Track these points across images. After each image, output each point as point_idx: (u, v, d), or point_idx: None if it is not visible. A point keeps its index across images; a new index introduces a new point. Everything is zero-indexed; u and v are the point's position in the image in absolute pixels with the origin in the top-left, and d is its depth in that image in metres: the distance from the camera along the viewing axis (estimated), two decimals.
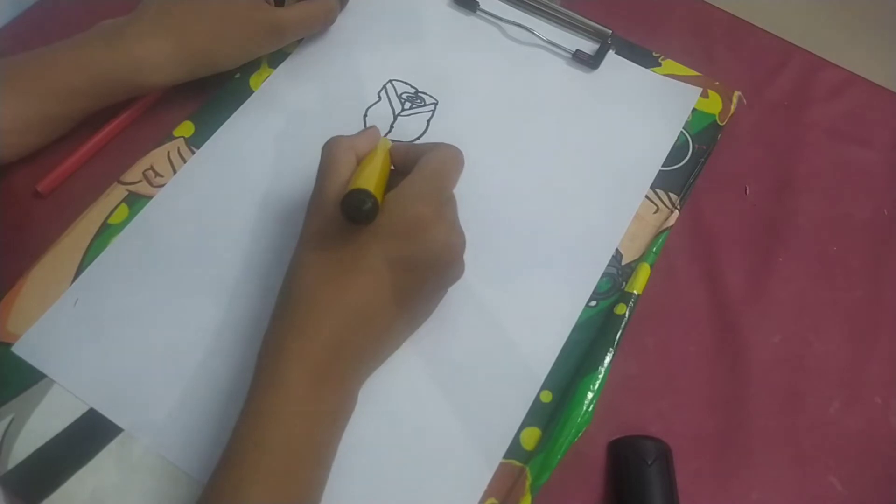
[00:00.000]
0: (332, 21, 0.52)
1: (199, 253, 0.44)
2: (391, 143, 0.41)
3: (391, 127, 0.49)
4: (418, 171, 0.37)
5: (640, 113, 0.50)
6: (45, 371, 0.40)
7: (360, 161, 0.39)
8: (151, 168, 0.47)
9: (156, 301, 0.42)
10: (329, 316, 0.34)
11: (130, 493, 0.37)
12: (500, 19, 0.54)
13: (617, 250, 0.45)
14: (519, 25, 0.53)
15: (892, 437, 0.41)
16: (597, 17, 0.53)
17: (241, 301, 0.42)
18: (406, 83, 0.51)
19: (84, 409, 0.39)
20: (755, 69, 0.53)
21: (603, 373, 0.40)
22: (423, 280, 0.37)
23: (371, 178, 0.35)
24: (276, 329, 0.35)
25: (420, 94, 0.51)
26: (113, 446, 0.38)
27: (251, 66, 0.50)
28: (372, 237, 0.35)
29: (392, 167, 0.40)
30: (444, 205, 0.37)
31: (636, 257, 0.45)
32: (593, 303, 0.43)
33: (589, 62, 0.52)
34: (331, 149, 0.38)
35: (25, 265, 0.43)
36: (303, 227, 0.38)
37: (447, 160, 0.38)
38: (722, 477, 0.39)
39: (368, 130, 0.41)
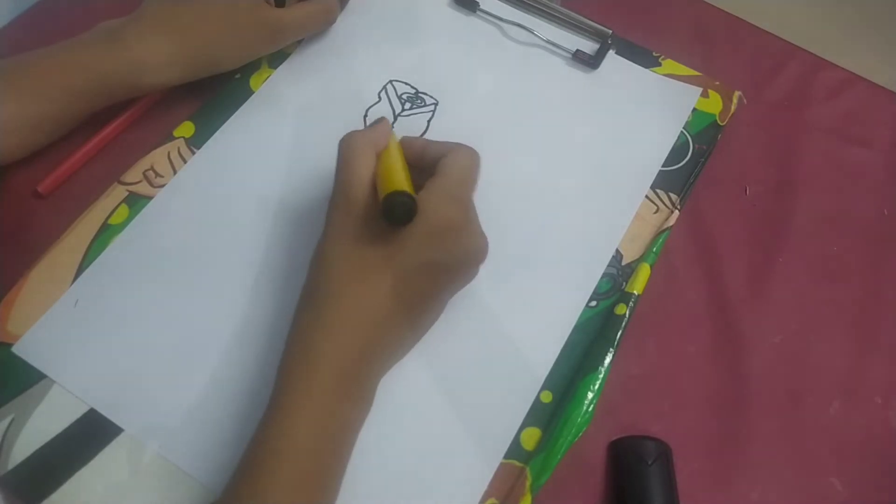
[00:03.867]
0: (333, 21, 0.52)
1: (199, 253, 0.44)
2: (398, 136, 0.41)
3: (391, 127, 0.49)
4: (445, 174, 0.37)
5: (640, 113, 0.50)
6: (45, 371, 0.40)
7: (378, 156, 0.38)
8: (152, 168, 0.47)
9: (156, 301, 0.42)
10: (359, 316, 0.34)
11: (131, 493, 0.37)
12: (500, 19, 0.54)
13: (617, 250, 0.45)
14: (519, 25, 0.53)
15: (892, 437, 0.41)
16: (597, 17, 0.53)
17: (242, 301, 0.42)
18: (406, 83, 0.51)
19: (84, 409, 0.39)
20: (755, 69, 0.53)
21: (603, 373, 0.40)
22: (447, 282, 0.37)
23: (403, 179, 0.35)
24: (303, 328, 0.35)
25: (420, 95, 0.51)
26: (113, 447, 0.38)
27: (251, 67, 0.50)
28: (405, 239, 0.35)
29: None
30: (470, 209, 0.37)
31: (636, 257, 0.45)
32: (593, 303, 0.43)
33: (589, 62, 0.52)
34: (350, 145, 0.37)
35: (25, 265, 0.43)
36: (326, 223, 0.37)
37: (471, 163, 0.38)
38: (722, 477, 0.39)
39: (381, 124, 0.41)
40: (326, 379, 0.33)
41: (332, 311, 0.35)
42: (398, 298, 0.35)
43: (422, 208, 0.34)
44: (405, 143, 0.41)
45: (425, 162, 0.39)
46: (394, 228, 0.34)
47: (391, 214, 0.33)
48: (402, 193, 0.33)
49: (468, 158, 0.38)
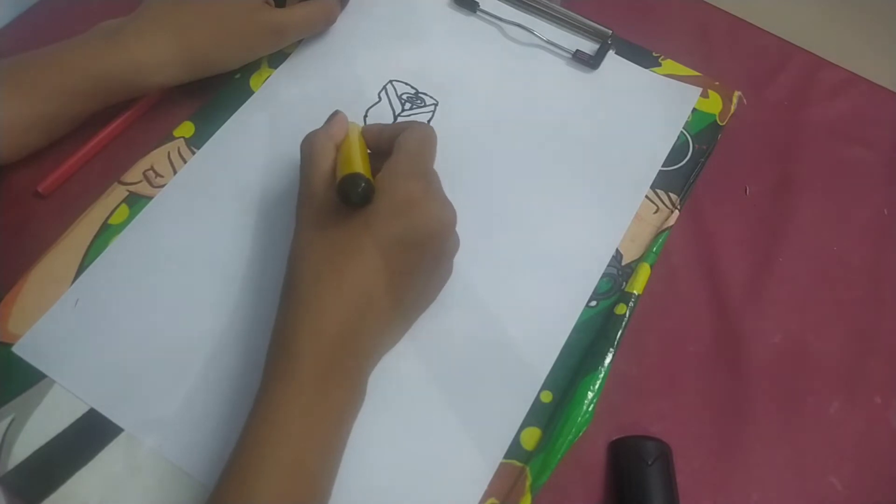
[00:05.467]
0: (333, 22, 0.52)
1: (199, 253, 0.44)
2: (359, 126, 0.42)
3: (347, 118, 0.49)
4: (399, 151, 0.37)
5: (640, 113, 0.50)
6: (45, 371, 0.40)
7: (337, 148, 0.39)
8: (152, 168, 0.47)
9: (156, 301, 0.42)
10: (333, 302, 0.35)
11: (131, 493, 0.37)
12: (500, 19, 0.54)
13: (617, 250, 0.45)
14: (519, 26, 0.53)
15: (892, 437, 0.41)
16: (597, 17, 0.53)
17: (241, 301, 0.42)
18: (406, 84, 0.51)
19: (84, 409, 0.39)
20: (755, 69, 0.53)
21: (603, 373, 0.40)
22: (420, 257, 0.37)
23: (359, 162, 0.36)
24: (283, 321, 0.36)
25: (420, 95, 0.51)
26: (113, 446, 0.38)
27: (251, 67, 0.50)
28: (367, 219, 0.35)
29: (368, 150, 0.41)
30: (431, 180, 0.38)
31: (636, 257, 0.45)
32: (593, 303, 0.43)
33: (589, 62, 0.52)
34: (310, 142, 0.39)
35: (26, 265, 0.43)
36: (296, 221, 0.38)
37: (424, 137, 0.39)
38: (722, 477, 0.39)
39: (337, 117, 0.42)
40: (308, 370, 0.33)
41: (308, 300, 0.35)
42: (374, 279, 0.35)
43: (380, 187, 0.35)
44: (365, 130, 0.42)
45: (382, 145, 0.40)
46: (356, 212, 0.35)
47: (346, 196, 0.34)
48: (355, 175, 0.34)
49: (421, 133, 0.39)
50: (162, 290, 0.42)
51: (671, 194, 0.47)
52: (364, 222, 0.35)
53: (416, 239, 0.36)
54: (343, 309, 0.35)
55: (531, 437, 0.39)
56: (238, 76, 0.50)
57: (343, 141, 0.40)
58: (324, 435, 0.34)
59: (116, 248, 0.44)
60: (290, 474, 0.32)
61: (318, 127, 0.41)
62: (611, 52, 0.52)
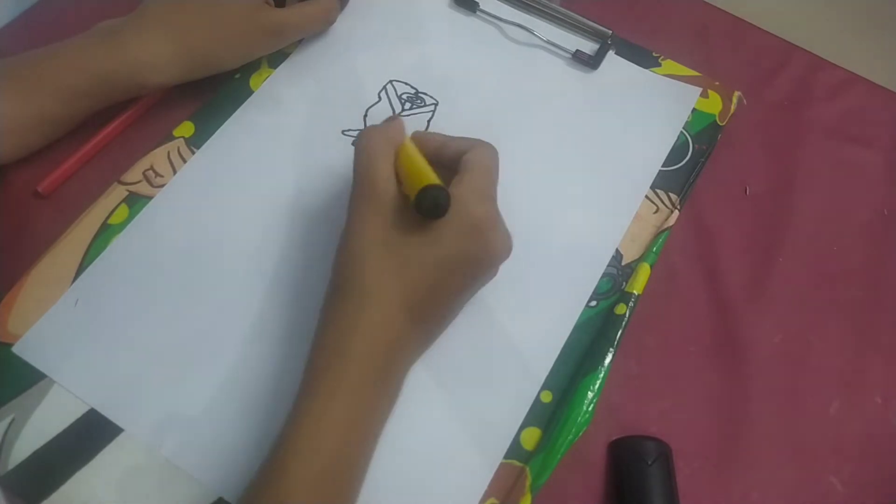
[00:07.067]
0: (332, 22, 0.52)
1: (199, 253, 0.44)
2: (411, 132, 0.41)
3: (405, 124, 0.49)
4: (472, 170, 0.36)
5: (640, 113, 0.50)
6: (45, 371, 0.40)
7: (395, 151, 0.38)
8: (151, 168, 0.47)
9: (156, 301, 0.42)
10: (392, 311, 0.34)
11: (131, 492, 0.37)
12: (500, 20, 0.54)
13: (617, 250, 0.45)
14: (519, 26, 0.53)
15: (892, 437, 0.41)
16: (597, 18, 0.53)
17: (241, 301, 0.42)
18: (406, 84, 0.51)
19: (84, 409, 0.39)
20: (755, 69, 0.53)
21: (603, 373, 0.40)
22: (475, 278, 0.36)
23: (433, 173, 0.35)
24: (333, 325, 0.35)
25: (420, 95, 0.51)
26: (113, 446, 0.38)
27: (251, 67, 0.50)
28: (440, 234, 0.34)
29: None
30: (495, 206, 0.37)
31: (636, 257, 0.45)
32: (593, 303, 0.43)
33: (589, 62, 0.52)
34: (369, 140, 0.37)
35: (25, 265, 0.43)
36: (352, 218, 0.36)
37: (494, 160, 0.38)
38: (722, 477, 0.39)
39: (396, 121, 0.40)
40: (357, 379, 0.33)
41: (366, 306, 0.34)
42: (431, 293, 0.35)
43: (455, 204, 0.34)
44: (422, 139, 0.40)
45: (444, 158, 0.38)
46: (426, 223, 0.34)
47: (427, 208, 0.33)
48: (438, 187, 0.33)
49: (491, 155, 0.38)
50: (162, 290, 0.42)
51: (671, 194, 0.47)
52: (434, 236, 0.34)
53: (478, 261, 0.35)
54: (399, 318, 0.34)
55: (531, 437, 0.39)
56: (238, 76, 0.50)
57: (402, 147, 0.38)
58: (360, 443, 0.33)
59: (116, 248, 0.44)
60: (322, 482, 0.31)
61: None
62: (611, 52, 0.52)
